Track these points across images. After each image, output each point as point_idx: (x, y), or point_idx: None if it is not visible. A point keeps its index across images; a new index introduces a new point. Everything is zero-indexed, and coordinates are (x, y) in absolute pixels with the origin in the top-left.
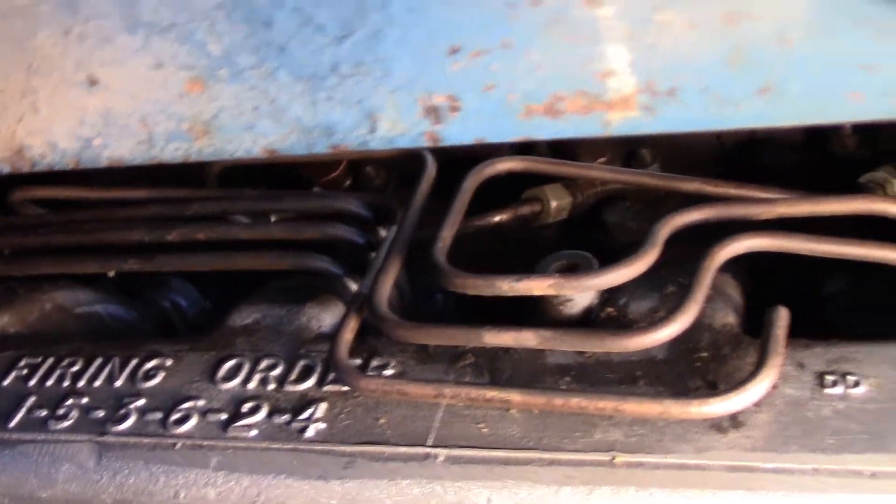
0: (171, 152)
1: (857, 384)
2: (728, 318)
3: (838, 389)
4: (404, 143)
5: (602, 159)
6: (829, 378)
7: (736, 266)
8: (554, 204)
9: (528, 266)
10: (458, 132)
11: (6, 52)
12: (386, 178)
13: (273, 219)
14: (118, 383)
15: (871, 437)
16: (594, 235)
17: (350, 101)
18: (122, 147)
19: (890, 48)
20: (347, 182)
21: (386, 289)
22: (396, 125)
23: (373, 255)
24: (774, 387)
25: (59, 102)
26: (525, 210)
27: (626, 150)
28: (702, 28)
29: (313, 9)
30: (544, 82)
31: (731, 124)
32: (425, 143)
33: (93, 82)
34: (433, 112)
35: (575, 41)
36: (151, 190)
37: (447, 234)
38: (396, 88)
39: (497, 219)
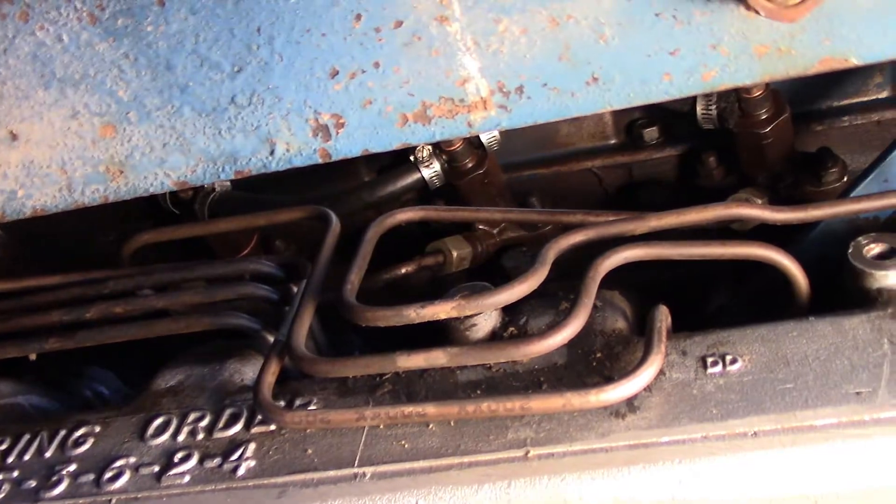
0: (91, 195)
1: (733, 361)
2: (618, 323)
3: (718, 368)
4: (300, 161)
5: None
6: (710, 360)
7: (627, 287)
8: (455, 254)
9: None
10: (346, 146)
11: None
12: (296, 250)
13: None
14: (48, 454)
15: (750, 403)
16: (494, 282)
17: (248, 128)
18: (45, 195)
19: (687, 34)
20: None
21: (302, 333)
22: (291, 146)
23: (287, 308)
24: (662, 373)
25: None
26: (429, 261)
27: (518, 200)
28: (533, 32)
29: (208, 50)
30: (413, 93)
31: (572, 112)
32: (318, 159)
33: (14, 137)
34: (322, 130)
35: (433, 55)
36: (66, 275)
37: (354, 278)
38: (288, 112)
39: (403, 271)
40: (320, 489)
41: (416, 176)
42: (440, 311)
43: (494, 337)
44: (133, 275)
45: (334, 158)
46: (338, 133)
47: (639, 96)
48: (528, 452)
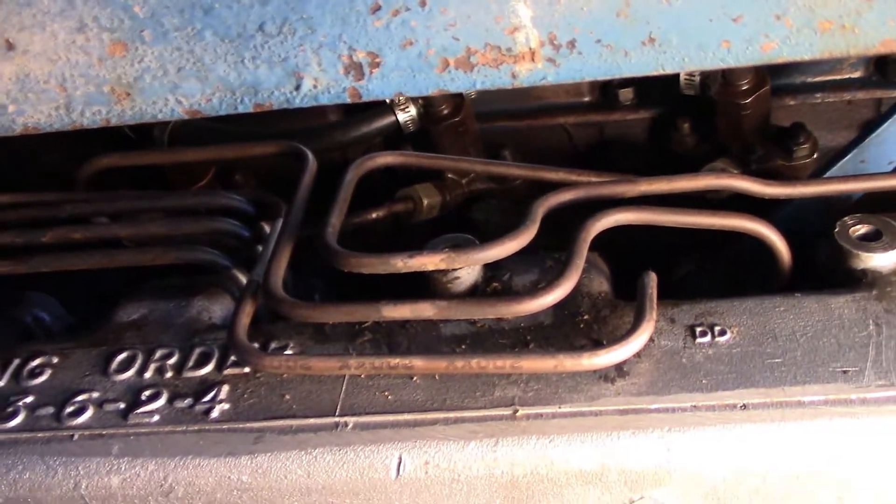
0: (91, 116)
1: (722, 333)
2: (603, 286)
3: (707, 338)
4: (326, 99)
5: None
6: (699, 329)
7: (600, 251)
8: (426, 202)
9: None
10: (379, 87)
11: None
12: (255, 185)
13: None
14: (1, 383)
15: (739, 376)
16: (463, 232)
17: (275, 59)
18: (39, 113)
19: (752, 2)
20: (216, 189)
21: (279, 275)
22: (320, 82)
23: (259, 247)
24: (651, 340)
25: None
26: (399, 207)
27: (490, 151)
28: None
29: None
30: (458, 37)
31: (623, 72)
32: (347, 98)
33: (9, 47)
34: (355, 68)
35: None
36: (16, 195)
37: (335, 221)
38: (320, 46)
39: (374, 215)
40: (299, 437)
41: (390, 119)
42: (428, 262)
43: (476, 291)
44: (92, 200)
45: (364, 99)
46: (371, 73)
47: (693, 61)
48: (516, 411)
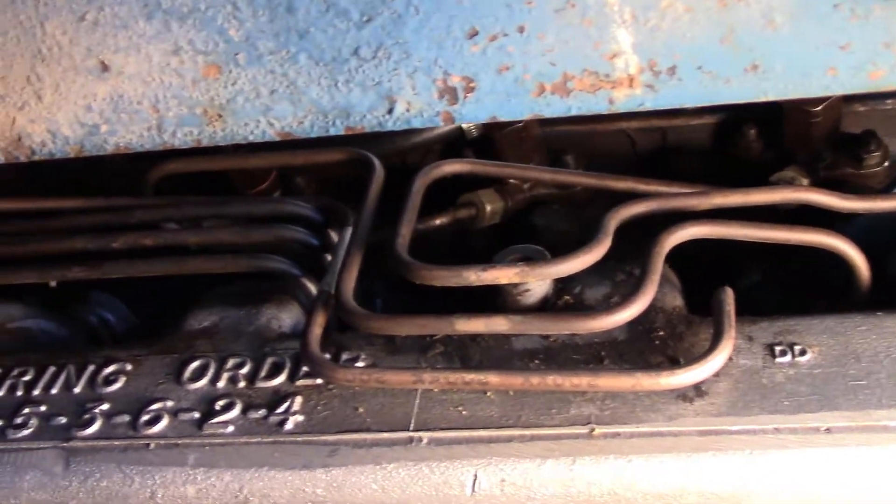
0: (182, 137)
1: (803, 353)
2: (677, 301)
3: (787, 358)
4: (419, 123)
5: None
6: (778, 348)
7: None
8: (489, 208)
9: None
10: (473, 111)
11: (13, 38)
12: (316, 188)
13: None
14: (77, 389)
15: (822, 398)
16: (524, 238)
17: (368, 83)
18: (131, 133)
19: (861, 30)
20: (276, 193)
21: (350, 285)
22: (413, 106)
23: (326, 255)
24: (729, 358)
25: (66, 90)
26: (462, 214)
27: (552, 156)
28: (698, 11)
29: None
30: (555, 63)
31: (723, 99)
32: (440, 122)
33: (104, 68)
34: (449, 92)
35: (585, 24)
36: (88, 199)
37: (405, 231)
38: (415, 70)
39: (437, 222)
40: (374, 451)
41: (454, 124)
42: (502, 276)
43: (547, 303)
44: (161, 205)
45: (457, 123)
46: (466, 97)
47: (797, 89)
48: (592, 430)
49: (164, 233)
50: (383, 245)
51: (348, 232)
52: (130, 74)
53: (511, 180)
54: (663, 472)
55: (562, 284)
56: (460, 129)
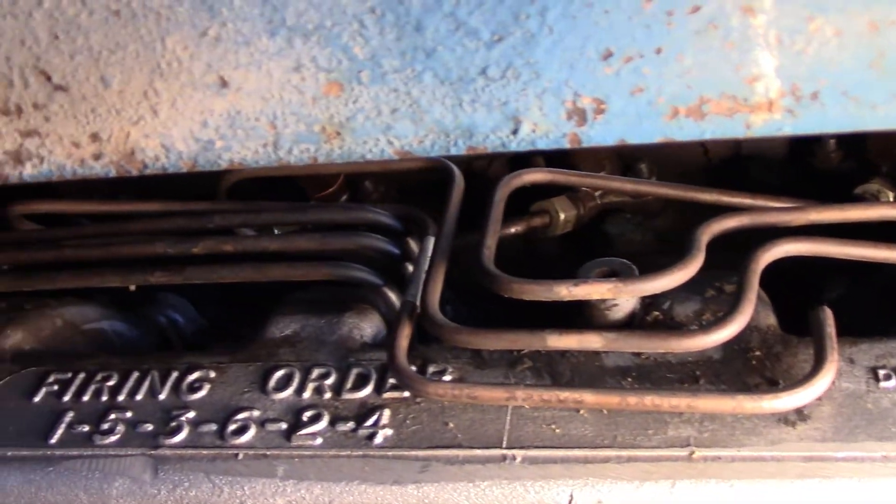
0: (298, 154)
1: None
2: (770, 319)
3: (891, 382)
4: (544, 144)
5: (602, 173)
6: (882, 372)
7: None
8: (562, 216)
9: (539, 277)
10: (601, 134)
11: (132, 53)
12: (384, 192)
13: (276, 232)
14: (162, 396)
15: None
16: (595, 247)
17: (494, 103)
18: (246, 149)
19: None
20: (344, 197)
21: (436, 297)
22: (539, 127)
23: (407, 265)
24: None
25: (183, 105)
26: (536, 222)
27: (624, 164)
28: (848, 35)
29: (468, 14)
30: (692, 86)
31: (867, 126)
32: (566, 144)
33: (223, 84)
34: (578, 114)
35: (727, 47)
36: (166, 203)
37: (490, 242)
38: (544, 91)
39: (513, 230)
40: (466, 468)
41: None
42: (594, 291)
43: (634, 319)
44: (239, 211)
45: (584, 145)
46: (595, 119)
47: None
48: (692, 453)
49: (244, 239)
50: (456, 254)
51: (430, 241)
52: (249, 91)
53: (583, 188)
54: (767, 498)
55: (650, 300)
56: None
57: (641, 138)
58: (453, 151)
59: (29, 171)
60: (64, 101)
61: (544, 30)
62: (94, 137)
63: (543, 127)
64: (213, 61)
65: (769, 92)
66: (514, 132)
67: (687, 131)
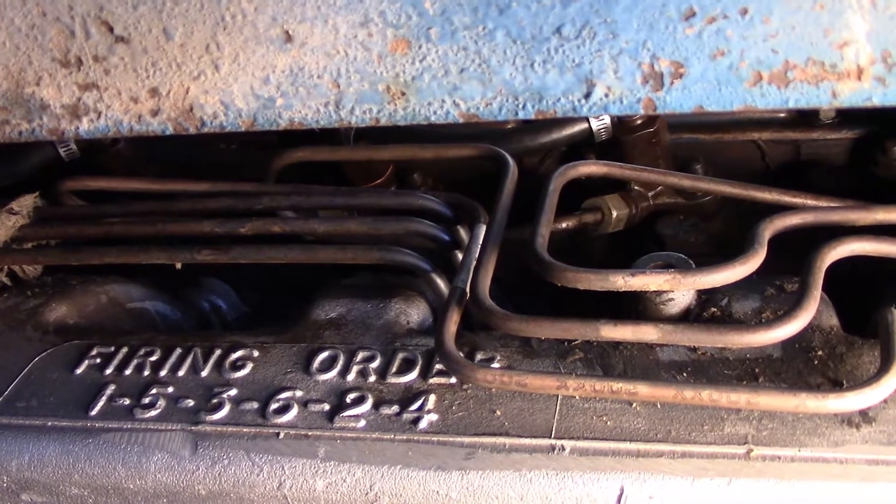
0: (360, 115)
1: None
2: (832, 319)
3: None
4: (617, 110)
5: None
6: None
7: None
8: (615, 214)
9: None
10: (678, 99)
11: (196, 4)
12: (433, 184)
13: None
14: (204, 373)
15: None
16: (646, 248)
17: (567, 64)
18: (307, 108)
19: None
20: (392, 188)
21: (487, 284)
22: (613, 91)
23: (457, 252)
24: None
25: (245, 60)
26: (588, 218)
27: (679, 164)
28: None
29: None
30: (778, 50)
31: None
32: (640, 110)
33: (287, 38)
34: (654, 77)
35: (817, 8)
36: (214, 183)
37: (544, 231)
38: (620, 53)
39: (564, 225)
40: (513, 456)
41: (583, 126)
42: (651, 282)
43: (689, 314)
44: (288, 193)
45: (659, 111)
46: (672, 83)
47: None
48: (750, 451)
49: (293, 221)
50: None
51: (481, 229)
52: (314, 46)
53: (635, 187)
54: (828, 500)
55: (706, 296)
56: (589, 131)
57: (720, 105)
58: (521, 115)
59: (85, 127)
60: (125, 54)
61: None
62: (153, 92)
63: (617, 91)
64: (278, 14)
65: (859, 58)
66: (587, 96)
67: (769, 99)
